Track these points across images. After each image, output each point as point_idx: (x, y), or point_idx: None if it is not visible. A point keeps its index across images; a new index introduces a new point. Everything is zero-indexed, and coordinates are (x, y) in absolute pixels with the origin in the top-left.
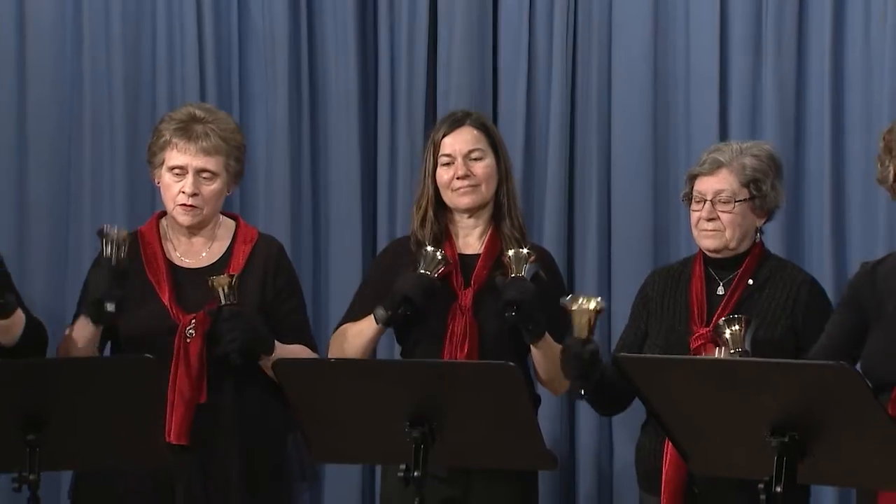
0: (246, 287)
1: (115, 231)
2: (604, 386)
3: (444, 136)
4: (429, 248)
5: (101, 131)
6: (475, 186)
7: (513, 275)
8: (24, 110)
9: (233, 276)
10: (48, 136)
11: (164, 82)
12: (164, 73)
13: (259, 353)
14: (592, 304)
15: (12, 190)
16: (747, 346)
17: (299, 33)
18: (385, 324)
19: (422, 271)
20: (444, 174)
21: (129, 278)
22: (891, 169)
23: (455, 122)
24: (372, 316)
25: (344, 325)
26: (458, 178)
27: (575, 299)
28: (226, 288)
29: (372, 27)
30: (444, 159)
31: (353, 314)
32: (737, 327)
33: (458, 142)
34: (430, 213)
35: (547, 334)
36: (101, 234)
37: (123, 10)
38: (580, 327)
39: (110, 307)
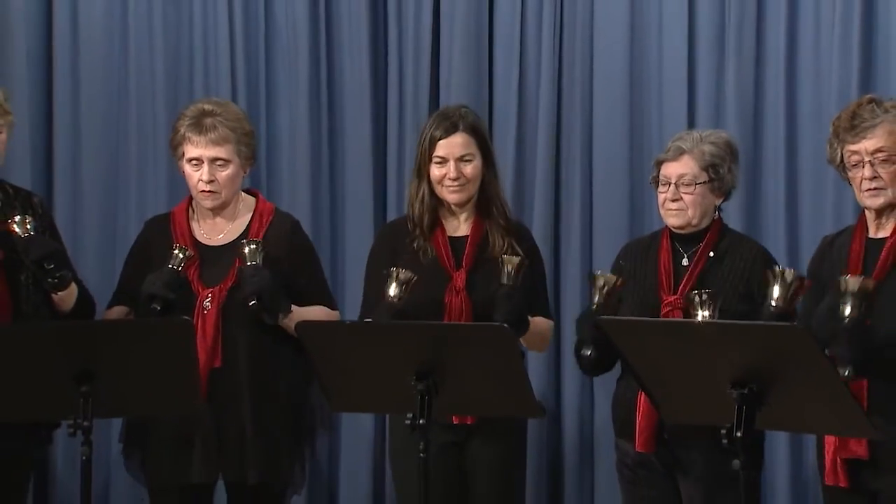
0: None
1: (188, 252)
2: (603, 349)
3: (440, 138)
4: (392, 272)
5: (145, 123)
6: (464, 185)
7: (505, 283)
8: (77, 106)
9: (258, 241)
10: (98, 128)
11: (199, 78)
12: (200, 70)
13: (275, 309)
14: (613, 280)
15: (68, 177)
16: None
17: (318, 35)
18: None
19: (391, 295)
20: (436, 171)
21: (183, 290)
22: (838, 151)
23: (451, 128)
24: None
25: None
26: (450, 179)
27: (601, 275)
28: (251, 250)
29: (382, 30)
30: (438, 160)
31: (367, 309)
32: (707, 312)
33: (452, 146)
34: (427, 201)
35: (530, 324)
36: (178, 248)
37: (164, 15)
38: (598, 297)
39: (156, 306)
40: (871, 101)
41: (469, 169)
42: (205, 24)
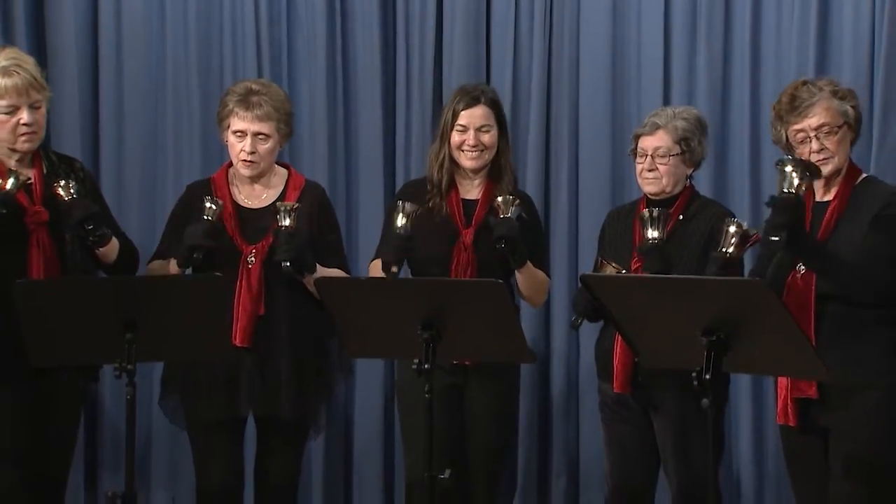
0: (297, 223)
1: (218, 202)
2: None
3: (463, 109)
4: (398, 205)
5: (180, 98)
6: (482, 152)
7: (502, 215)
8: (120, 83)
9: (294, 204)
10: (139, 103)
11: (229, 60)
12: (229, 53)
13: (303, 270)
14: (612, 268)
15: (112, 147)
16: (662, 234)
17: (334, 21)
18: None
19: (399, 226)
20: (456, 137)
21: (218, 238)
22: (782, 132)
23: (473, 100)
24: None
25: (376, 260)
26: (469, 145)
27: (610, 267)
28: (288, 213)
29: (391, 16)
30: (459, 127)
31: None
32: (657, 233)
33: (473, 116)
34: (446, 164)
35: (528, 262)
36: (209, 200)
37: (197, 4)
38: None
39: (198, 256)
40: (804, 83)
41: (487, 138)
42: (233, 11)
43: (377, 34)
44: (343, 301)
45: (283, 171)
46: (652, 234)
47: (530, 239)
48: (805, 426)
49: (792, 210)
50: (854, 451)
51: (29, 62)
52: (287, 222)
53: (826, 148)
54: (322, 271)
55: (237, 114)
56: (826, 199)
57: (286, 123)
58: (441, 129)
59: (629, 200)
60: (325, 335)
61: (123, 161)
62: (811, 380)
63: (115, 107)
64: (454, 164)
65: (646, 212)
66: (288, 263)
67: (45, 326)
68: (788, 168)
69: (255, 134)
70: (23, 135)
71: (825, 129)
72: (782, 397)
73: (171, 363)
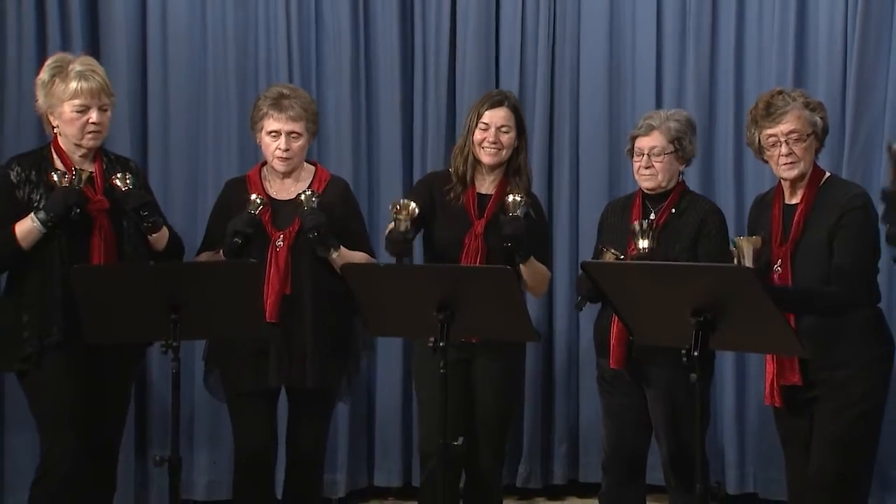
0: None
1: (263, 199)
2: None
3: (487, 109)
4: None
5: (220, 102)
6: (499, 150)
7: (510, 214)
8: (166, 88)
9: (315, 191)
10: (183, 107)
11: (263, 66)
12: (263, 59)
13: (328, 242)
14: (611, 254)
15: (158, 146)
16: (649, 244)
17: (358, 31)
18: None
19: (400, 232)
20: (478, 135)
21: (256, 228)
22: (756, 135)
23: (496, 102)
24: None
25: None
26: (488, 142)
27: (610, 253)
28: (308, 196)
29: (409, 27)
30: (482, 126)
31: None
32: (647, 243)
33: (495, 117)
34: (470, 158)
35: (532, 257)
36: (256, 196)
37: (235, 15)
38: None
39: (238, 240)
40: (780, 92)
41: (505, 138)
42: (267, 22)
43: (396, 44)
44: (366, 285)
45: (310, 168)
46: (643, 244)
47: (535, 236)
48: (792, 408)
49: None
50: (832, 423)
51: (102, 70)
52: (308, 204)
53: (794, 153)
54: (348, 255)
55: (272, 116)
56: (794, 201)
57: (313, 122)
58: (466, 127)
59: (624, 194)
60: (350, 314)
61: (169, 161)
62: (790, 355)
63: (162, 112)
64: (475, 159)
65: (636, 224)
66: (315, 233)
67: (99, 307)
68: None
69: (289, 133)
70: (90, 133)
71: (794, 135)
72: (769, 382)
73: (211, 341)
